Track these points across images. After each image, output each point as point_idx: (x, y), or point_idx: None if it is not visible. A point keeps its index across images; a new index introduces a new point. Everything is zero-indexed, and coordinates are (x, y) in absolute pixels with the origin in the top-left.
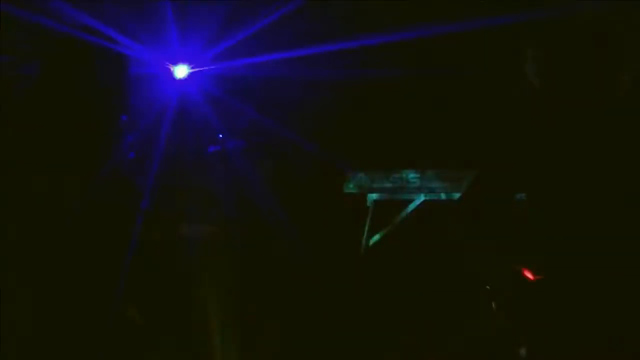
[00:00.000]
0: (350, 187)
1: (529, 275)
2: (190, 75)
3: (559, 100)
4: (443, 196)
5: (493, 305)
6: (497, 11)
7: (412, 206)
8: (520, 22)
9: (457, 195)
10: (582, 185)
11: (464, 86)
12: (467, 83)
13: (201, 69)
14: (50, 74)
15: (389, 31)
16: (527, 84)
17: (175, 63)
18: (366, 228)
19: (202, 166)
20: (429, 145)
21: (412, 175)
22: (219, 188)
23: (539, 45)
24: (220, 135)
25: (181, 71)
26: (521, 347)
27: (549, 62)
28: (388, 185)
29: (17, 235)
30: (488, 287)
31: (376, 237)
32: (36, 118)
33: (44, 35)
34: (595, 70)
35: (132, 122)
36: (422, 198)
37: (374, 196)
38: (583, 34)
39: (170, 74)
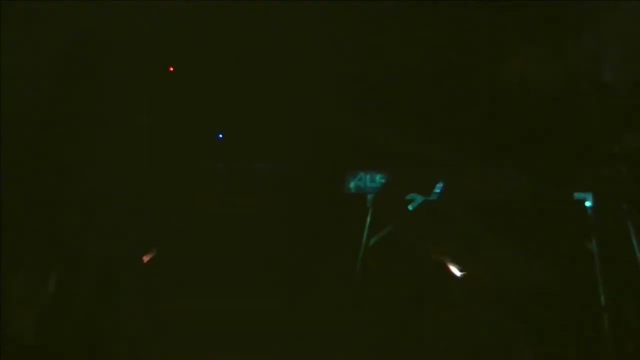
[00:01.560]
0: (350, 187)
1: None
2: None
3: (557, 100)
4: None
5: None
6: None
7: (412, 206)
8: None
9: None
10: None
11: (463, 86)
12: (467, 83)
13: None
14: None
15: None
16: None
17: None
18: (366, 228)
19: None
20: (429, 145)
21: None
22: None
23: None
24: (220, 136)
25: None
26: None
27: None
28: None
29: None
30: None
31: (376, 237)
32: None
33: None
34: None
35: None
36: (422, 198)
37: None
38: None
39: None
